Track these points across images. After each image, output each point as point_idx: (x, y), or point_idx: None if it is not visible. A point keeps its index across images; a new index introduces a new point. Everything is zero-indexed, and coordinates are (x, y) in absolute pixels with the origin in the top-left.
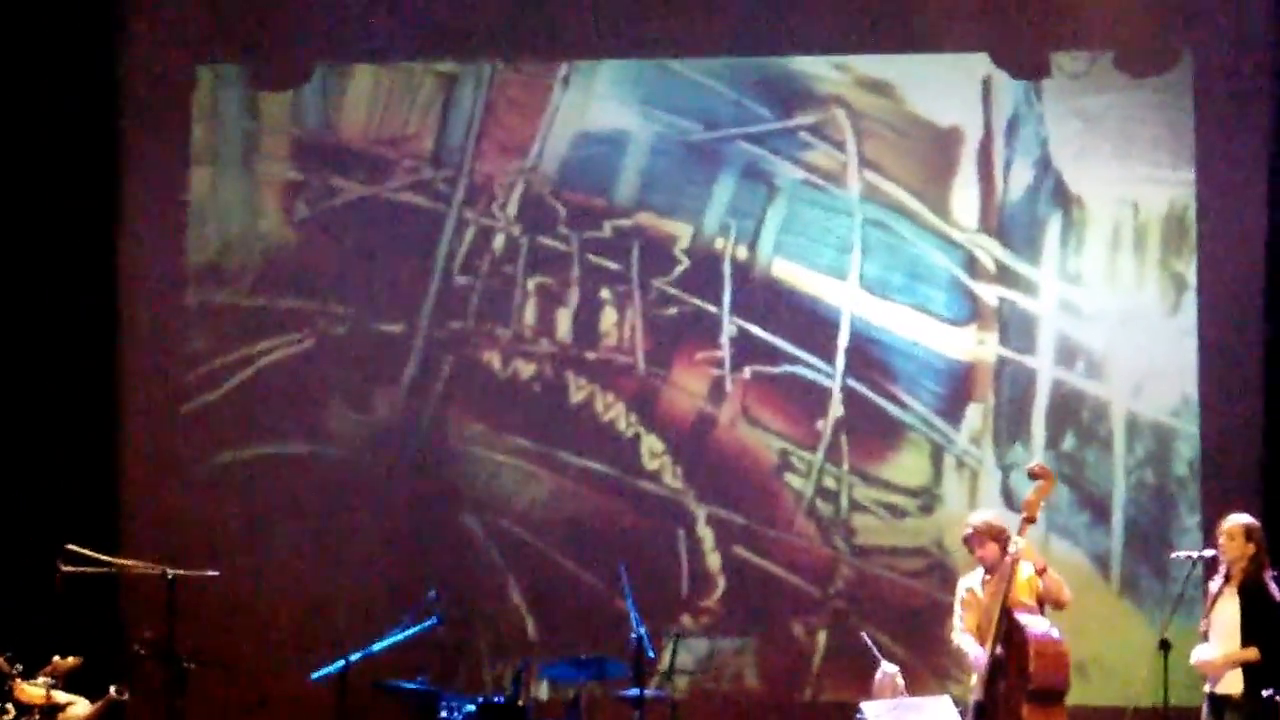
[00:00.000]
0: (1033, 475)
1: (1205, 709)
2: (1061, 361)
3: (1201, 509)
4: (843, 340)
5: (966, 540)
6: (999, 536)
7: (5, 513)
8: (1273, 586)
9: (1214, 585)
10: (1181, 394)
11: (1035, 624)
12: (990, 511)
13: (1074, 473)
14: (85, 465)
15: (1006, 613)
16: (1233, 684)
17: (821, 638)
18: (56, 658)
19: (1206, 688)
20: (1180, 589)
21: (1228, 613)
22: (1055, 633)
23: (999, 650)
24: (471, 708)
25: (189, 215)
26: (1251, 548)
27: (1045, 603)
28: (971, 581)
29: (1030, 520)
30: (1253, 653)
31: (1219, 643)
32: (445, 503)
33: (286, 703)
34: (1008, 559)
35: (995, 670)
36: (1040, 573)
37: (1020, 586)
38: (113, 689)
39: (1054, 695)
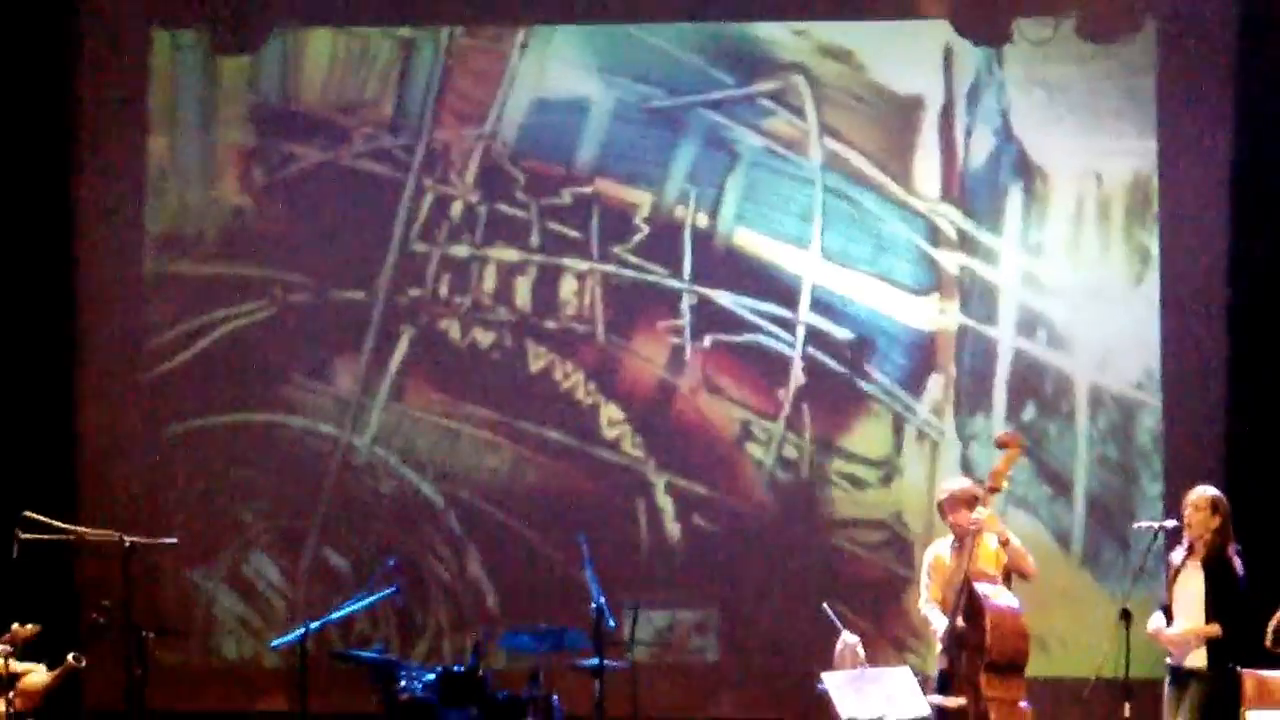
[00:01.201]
0: (1000, 444)
1: (1168, 681)
2: (1023, 332)
3: (1164, 481)
4: (804, 309)
5: (940, 506)
6: (973, 504)
7: None
8: (1237, 560)
9: (1175, 557)
10: (1145, 366)
11: (994, 596)
12: (966, 479)
13: (1035, 444)
14: (43, 433)
15: (967, 584)
16: (1197, 658)
17: (782, 608)
18: (14, 625)
19: (1169, 660)
20: (1142, 559)
21: (1193, 587)
22: (1014, 605)
23: (959, 621)
24: (430, 677)
25: (146, 182)
26: (1217, 520)
27: (1011, 574)
28: (940, 549)
29: (995, 489)
30: (1215, 629)
31: (1183, 617)
32: (404, 471)
33: (245, 672)
34: (970, 529)
35: (956, 641)
36: (1003, 544)
37: (985, 557)
38: (71, 657)
39: (1012, 668)
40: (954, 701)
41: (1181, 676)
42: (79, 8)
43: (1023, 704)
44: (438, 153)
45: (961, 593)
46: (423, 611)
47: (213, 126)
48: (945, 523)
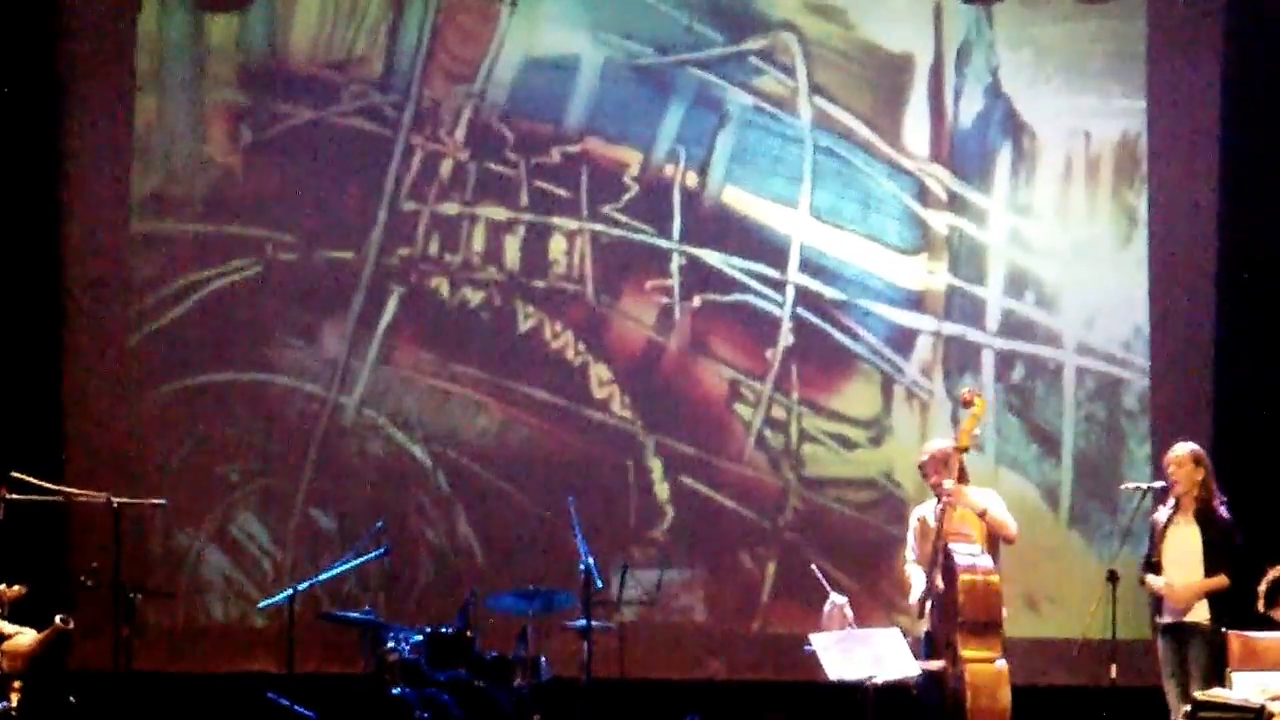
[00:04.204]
0: (964, 403)
1: (1163, 640)
2: (1011, 292)
3: (1151, 441)
4: (793, 269)
5: (922, 468)
6: (954, 464)
7: None
8: (1224, 511)
9: (1160, 516)
10: (1132, 326)
11: (967, 557)
12: (946, 440)
13: (1023, 404)
14: (31, 393)
15: (943, 546)
16: (1200, 612)
17: (770, 569)
18: (2, 586)
19: (1165, 618)
20: (1129, 520)
21: (1186, 542)
22: (988, 564)
23: (938, 582)
24: (418, 638)
25: (134, 142)
26: (1200, 473)
27: (994, 539)
28: (924, 511)
29: (963, 449)
30: (1223, 580)
31: (1178, 573)
32: (392, 432)
33: (232, 633)
34: (944, 503)
35: (935, 602)
36: (981, 517)
37: (963, 517)
38: (58, 618)
39: (987, 627)
40: (935, 664)
41: (1181, 632)
42: None
43: (999, 663)
44: (427, 111)
45: (938, 555)
46: (411, 572)
47: (201, 85)
48: (928, 484)
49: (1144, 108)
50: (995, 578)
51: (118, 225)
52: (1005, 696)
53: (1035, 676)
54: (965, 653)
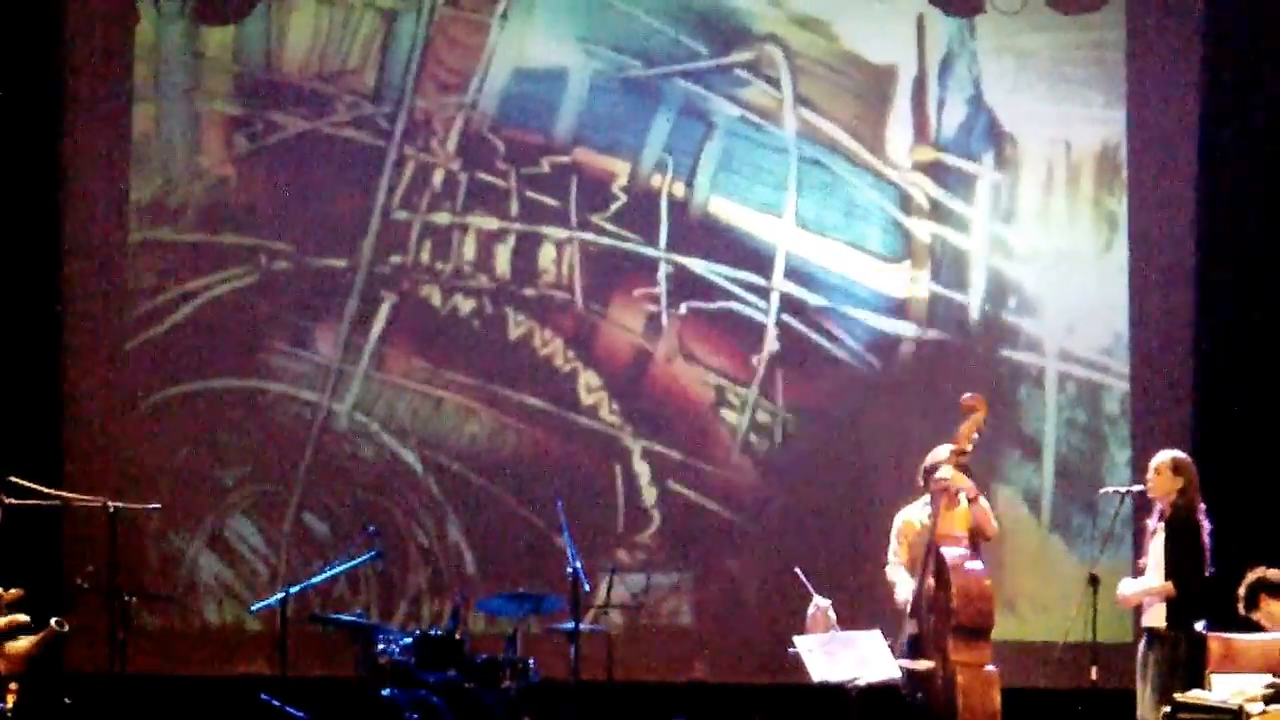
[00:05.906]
0: (966, 408)
1: (1142, 642)
2: (993, 298)
3: (1132, 446)
4: (778, 276)
5: (936, 471)
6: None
7: None
8: (1203, 520)
9: (1150, 524)
10: (1113, 332)
11: (961, 561)
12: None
13: (1005, 410)
14: (29, 399)
15: (933, 547)
16: (1157, 617)
17: (755, 573)
18: None
19: (1143, 621)
20: (1109, 524)
21: (1158, 549)
22: (980, 569)
23: (929, 585)
24: (409, 641)
25: (131, 151)
26: (1180, 481)
27: (975, 534)
28: (909, 514)
29: (962, 453)
30: (1167, 587)
31: (1152, 577)
32: (384, 437)
33: (226, 635)
34: (937, 487)
35: (924, 605)
36: (972, 500)
37: (953, 518)
38: (54, 621)
39: (979, 631)
40: (923, 665)
41: (1147, 636)
42: None
43: (989, 667)
44: (419, 121)
45: (929, 556)
46: (402, 576)
47: (197, 96)
48: (930, 488)
49: (1124, 116)
50: (989, 583)
51: (115, 233)
52: (996, 700)
53: (1016, 679)
54: (956, 657)
